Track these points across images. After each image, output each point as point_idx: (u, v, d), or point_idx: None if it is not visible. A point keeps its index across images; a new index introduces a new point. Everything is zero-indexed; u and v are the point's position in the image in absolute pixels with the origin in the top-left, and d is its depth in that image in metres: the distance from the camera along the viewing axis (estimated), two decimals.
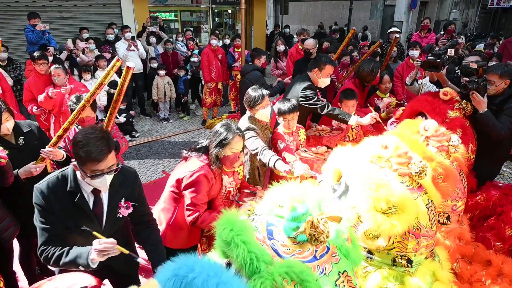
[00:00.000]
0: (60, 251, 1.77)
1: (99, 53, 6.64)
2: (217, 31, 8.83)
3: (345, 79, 4.94)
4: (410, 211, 1.76)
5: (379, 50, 5.83)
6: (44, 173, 2.66)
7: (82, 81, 5.75)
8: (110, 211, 1.94)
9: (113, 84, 5.90)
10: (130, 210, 1.99)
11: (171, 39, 8.38)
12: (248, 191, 2.73)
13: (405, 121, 2.63)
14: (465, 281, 2.37)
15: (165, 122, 7.61)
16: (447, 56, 3.21)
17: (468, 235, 2.68)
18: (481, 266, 2.47)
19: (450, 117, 3.02)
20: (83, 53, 6.63)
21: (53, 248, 1.79)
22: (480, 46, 8.00)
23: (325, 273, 1.35)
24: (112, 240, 1.74)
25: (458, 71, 3.69)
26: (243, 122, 3.04)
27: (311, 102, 3.42)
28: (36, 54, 4.57)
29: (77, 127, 2.99)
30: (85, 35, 7.33)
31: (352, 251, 1.46)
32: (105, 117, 2.76)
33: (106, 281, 2.27)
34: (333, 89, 5.12)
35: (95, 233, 1.79)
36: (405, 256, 1.89)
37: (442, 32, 8.16)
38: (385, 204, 1.73)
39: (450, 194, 2.20)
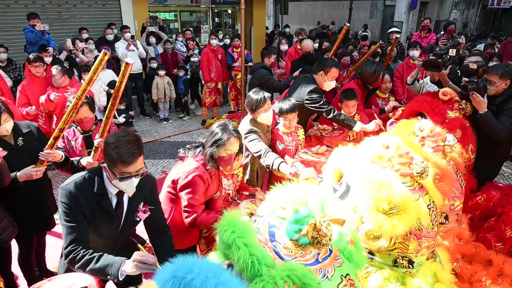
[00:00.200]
0: (90, 256, 1.75)
1: (98, 54, 6.62)
2: (221, 31, 8.82)
3: (345, 79, 4.94)
4: (412, 211, 1.75)
5: (379, 50, 5.82)
6: (45, 176, 2.66)
7: (82, 81, 5.74)
8: (129, 213, 1.98)
9: (112, 85, 5.88)
10: (148, 214, 2.03)
11: (170, 39, 8.37)
12: (247, 193, 2.72)
13: (400, 121, 2.62)
14: (465, 281, 2.36)
15: (165, 122, 7.60)
16: (448, 56, 3.21)
17: (467, 234, 2.67)
18: (482, 266, 2.46)
19: (449, 117, 3.01)
20: (83, 53, 6.62)
21: (83, 250, 1.77)
22: (480, 47, 7.99)
23: (327, 277, 1.33)
24: (153, 256, 1.73)
25: (459, 71, 3.69)
26: (245, 124, 3.03)
27: (317, 105, 3.41)
28: (31, 56, 4.43)
29: (75, 127, 2.98)
30: (85, 35, 7.31)
31: (355, 254, 1.44)
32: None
33: (110, 282, 2.26)
34: (333, 89, 5.11)
35: (139, 245, 1.84)
36: (406, 257, 1.88)
37: (442, 32, 8.16)
38: (387, 205, 1.72)
39: (447, 194, 2.19)
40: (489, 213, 3.01)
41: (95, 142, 2.68)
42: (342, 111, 3.64)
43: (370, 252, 1.96)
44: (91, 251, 1.78)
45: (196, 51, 7.83)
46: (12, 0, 7.63)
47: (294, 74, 5.12)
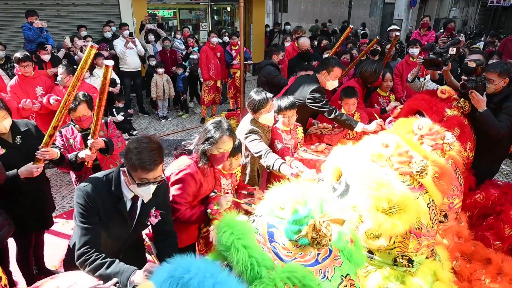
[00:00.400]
0: (102, 261, 1.74)
1: (97, 51, 6.59)
2: (224, 29, 8.76)
3: (343, 77, 4.92)
4: (412, 210, 1.75)
5: (378, 48, 5.80)
6: (43, 175, 2.65)
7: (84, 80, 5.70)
8: (141, 217, 1.99)
9: (111, 82, 5.86)
10: (158, 219, 2.04)
11: (169, 37, 8.34)
12: (246, 192, 2.71)
13: (399, 120, 2.62)
14: (464, 279, 2.36)
15: (164, 120, 7.59)
16: (448, 55, 3.21)
17: (466, 233, 2.67)
18: (481, 264, 2.46)
19: (447, 116, 3.01)
20: (81, 51, 6.59)
21: (95, 254, 1.76)
22: (480, 44, 7.98)
23: (327, 277, 1.33)
24: None
25: (459, 69, 3.68)
26: (245, 124, 3.01)
27: (319, 105, 3.40)
28: (19, 55, 4.18)
29: (74, 126, 2.97)
30: (83, 33, 7.29)
31: (354, 253, 1.44)
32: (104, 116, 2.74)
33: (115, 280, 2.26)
34: None
35: (153, 257, 1.81)
36: (406, 256, 1.88)
37: (442, 30, 8.15)
38: (387, 204, 1.71)
39: (446, 192, 2.19)
40: (488, 212, 3.01)
41: (88, 142, 2.66)
42: (343, 110, 3.64)
43: (370, 251, 1.96)
44: (103, 255, 1.77)
45: (196, 49, 7.81)
46: None
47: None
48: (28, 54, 4.27)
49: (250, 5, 11.26)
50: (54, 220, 3.15)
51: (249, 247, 1.23)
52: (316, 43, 7.58)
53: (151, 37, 7.90)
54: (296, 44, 6.02)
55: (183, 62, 7.80)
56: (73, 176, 3.12)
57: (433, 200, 1.96)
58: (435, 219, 1.96)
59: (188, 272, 1.03)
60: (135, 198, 1.93)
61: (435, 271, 1.97)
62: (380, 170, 1.87)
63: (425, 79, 3.69)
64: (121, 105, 6.39)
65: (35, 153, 2.41)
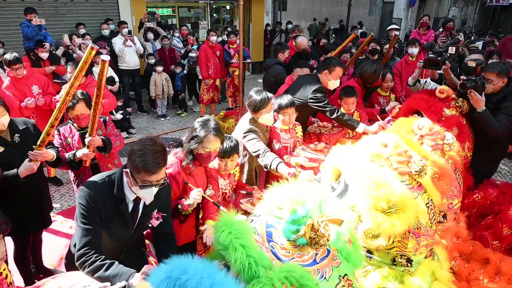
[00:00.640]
0: (101, 262, 1.74)
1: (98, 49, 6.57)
2: (230, 28, 8.69)
3: (342, 76, 4.91)
4: (410, 210, 1.75)
5: (378, 47, 5.79)
6: (40, 169, 2.64)
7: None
8: (142, 219, 1.99)
9: (109, 80, 5.84)
10: (160, 221, 2.04)
11: (167, 36, 8.31)
12: (244, 192, 2.71)
13: (399, 120, 2.61)
14: (462, 279, 2.37)
15: (163, 119, 7.57)
16: (448, 54, 3.21)
17: (465, 233, 2.68)
18: (479, 264, 2.47)
19: (446, 115, 3.01)
20: (80, 49, 6.57)
21: (95, 255, 1.76)
22: (478, 44, 7.98)
23: (325, 277, 1.33)
24: None
25: (459, 68, 3.68)
26: (244, 123, 3.00)
27: (321, 104, 3.40)
28: (9, 57, 3.96)
29: (72, 124, 2.96)
30: (82, 30, 7.25)
31: (353, 253, 1.43)
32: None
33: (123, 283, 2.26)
34: None
35: (151, 259, 1.85)
36: (404, 256, 1.88)
37: (441, 30, 8.15)
38: (385, 204, 1.71)
39: (446, 193, 2.20)
40: (486, 211, 3.01)
41: (86, 140, 2.65)
42: (342, 109, 3.63)
43: (369, 251, 1.96)
44: (103, 257, 1.77)
45: (195, 47, 7.79)
46: None
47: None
48: (18, 56, 4.08)
49: (249, 3, 11.24)
50: (52, 218, 3.15)
51: (247, 247, 1.23)
52: (315, 41, 7.57)
53: (150, 35, 7.87)
54: (294, 43, 6.00)
55: (182, 61, 7.78)
56: (71, 175, 3.11)
57: (432, 200, 1.96)
58: (434, 219, 1.96)
59: (185, 273, 1.03)
60: (137, 200, 1.92)
61: (433, 271, 1.97)
62: (379, 170, 1.87)
63: (426, 81, 3.69)
64: (119, 103, 6.36)
65: (28, 153, 2.39)
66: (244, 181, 3.14)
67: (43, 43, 5.49)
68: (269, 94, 2.93)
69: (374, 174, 1.79)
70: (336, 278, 1.34)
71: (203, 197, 2.30)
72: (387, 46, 5.58)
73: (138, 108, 7.90)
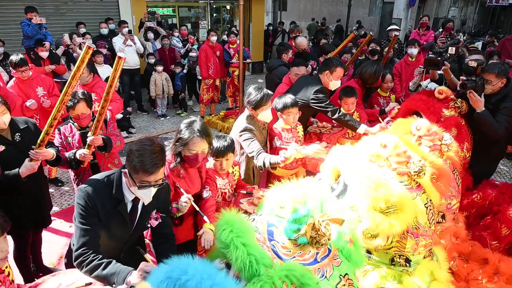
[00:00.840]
0: (99, 261, 1.74)
1: (96, 49, 6.57)
2: (233, 28, 8.65)
3: (342, 77, 4.92)
4: (409, 210, 1.75)
5: (378, 48, 5.79)
6: (40, 168, 2.65)
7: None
8: (141, 219, 1.99)
9: None
10: (159, 222, 2.04)
11: (168, 36, 8.31)
12: (245, 191, 2.71)
13: (397, 120, 2.62)
14: (461, 279, 2.38)
15: (163, 119, 7.57)
16: (448, 55, 3.21)
17: (464, 233, 2.69)
18: (478, 264, 2.48)
19: (445, 116, 3.02)
20: (80, 48, 6.57)
21: (93, 255, 1.76)
22: (478, 44, 7.98)
23: (326, 276, 1.33)
24: None
25: (459, 69, 3.69)
26: (241, 122, 3.00)
27: (322, 105, 3.41)
28: (14, 59, 3.92)
29: (72, 123, 2.96)
30: (82, 30, 7.24)
31: (354, 253, 1.44)
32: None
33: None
34: None
35: (146, 256, 1.83)
36: (403, 256, 1.89)
37: (440, 30, 8.14)
38: (384, 204, 1.72)
39: (444, 193, 2.20)
40: (485, 211, 3.02)
41: (88, 139, 2.66)
42: (342, 110, 3.64)
43: (368, 251, 1.96)
44: (100, 256, 1.77)
45: (195, 46, 7.79)
46: None
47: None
48: (23, 58, 4.06)
49: (249, 3, 11.23)
50: (52, 217, 3.15)
51: (248, 245, 1.23)
52: (315, 41, 7.57)
53: (150, 35, 7.87)
54: (293, 44, 6.00)
55: (182, 60, 7.78)
56: (71, 174, 3.12)
57: (430, 200, 1.96)
58: (433, 219, 1.97)
59: (186, 273, 1.03)
60: (136, 200, 1.93)
61: (432, 271, 1.98)
62: (378, 170, 1.87)
63: (427, 86, 3.70)
64: None
65: (28, 152, 2.40)
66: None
67: (43, 42, 5.49)
68: (269, 91, 2.95)
69: (373, 175, 1.80)
70: (336, 277, 1.35)
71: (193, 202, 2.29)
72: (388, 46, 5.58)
73: (138, 108, 7.90)
